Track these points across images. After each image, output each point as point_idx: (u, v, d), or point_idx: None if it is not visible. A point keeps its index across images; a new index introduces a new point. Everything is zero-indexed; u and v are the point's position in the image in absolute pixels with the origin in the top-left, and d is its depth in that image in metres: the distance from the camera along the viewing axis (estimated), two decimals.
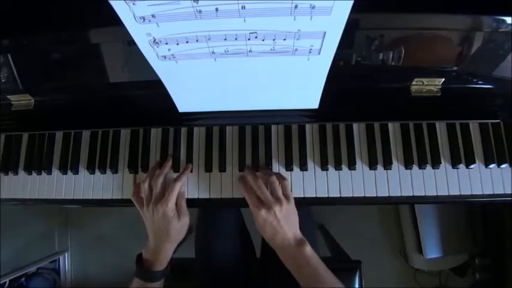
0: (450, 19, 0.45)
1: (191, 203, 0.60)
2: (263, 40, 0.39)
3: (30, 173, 0.64)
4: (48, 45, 0.52)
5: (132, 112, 0.61)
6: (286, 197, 0.53)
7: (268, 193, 0.52)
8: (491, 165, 0.58)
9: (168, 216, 0.54)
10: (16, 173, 0.65)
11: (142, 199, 0.57)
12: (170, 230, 0.55)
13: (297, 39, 0.39)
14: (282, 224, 0.51)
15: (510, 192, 0.57)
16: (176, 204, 0.57)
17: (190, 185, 0.60)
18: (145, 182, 0.57)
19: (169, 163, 0.60)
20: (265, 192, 0.52)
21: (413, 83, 0.56)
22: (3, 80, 0.57)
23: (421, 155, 0.58)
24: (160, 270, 0.56)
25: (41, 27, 0.49)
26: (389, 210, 1.38)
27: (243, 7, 0.35)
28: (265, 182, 0.54)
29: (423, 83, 0.56)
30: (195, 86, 0.49)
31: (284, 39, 0.39)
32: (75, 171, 0.63)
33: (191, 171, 0.61)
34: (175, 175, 0.60)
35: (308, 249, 0.52)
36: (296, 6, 0.34)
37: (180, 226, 0.56)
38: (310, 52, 0.42)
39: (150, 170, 0.60)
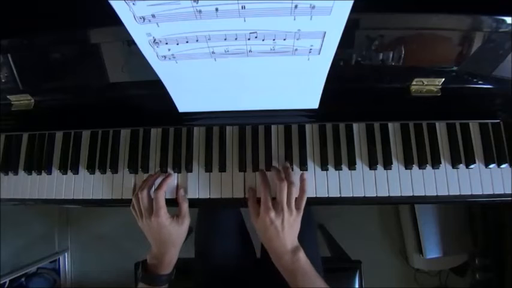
0: (450, 19, 0.45)
1: (191, 203, 0.60)
2: (263, 40, 0.39)
3: (30, 173, 0.64)
4: (48, 45, 0.52)
5: (132, 112, 0.61)
6: (298, 209, 0.54)
7: (285, 198, 0.53)
8: (491, 165, 0.58)
9: (164, 225, 0.55)
10: (16, 173, 0.65)
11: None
12: (171, 236, 0.56)
13: (297, 39, 0.39)
14: (286, 231, 0.53)
15: (510, 192, 0.57)
16: (179, 206, 0.58)
17: (190, 185, 0.60)
18: (134, 196, 0.57)
19: (154, 177, 0.59)
20: (283, 197, 0.53)
21: (413, 83, 0.56)
22: (3, 80, 0.57)
23: (421, 155, 0.58)
24: (165, 274, 0.57)
25: (41, 27, 0.49)
26: (390, 210, 1.38)
27: (243, 7, 0.35)
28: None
29: (423, 83, 0.56)
30: (195, 86, 0.49)
31: (284, 39, 0.39)
32: (75, 171, 0.63)
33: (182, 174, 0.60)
34: (174, 175, 0.61)
35: (302, 255, 0.54)
36: (296, 6, 0.34)
37: (181, 230, 0.57)
38: (310, 52, 0.42)
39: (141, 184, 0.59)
